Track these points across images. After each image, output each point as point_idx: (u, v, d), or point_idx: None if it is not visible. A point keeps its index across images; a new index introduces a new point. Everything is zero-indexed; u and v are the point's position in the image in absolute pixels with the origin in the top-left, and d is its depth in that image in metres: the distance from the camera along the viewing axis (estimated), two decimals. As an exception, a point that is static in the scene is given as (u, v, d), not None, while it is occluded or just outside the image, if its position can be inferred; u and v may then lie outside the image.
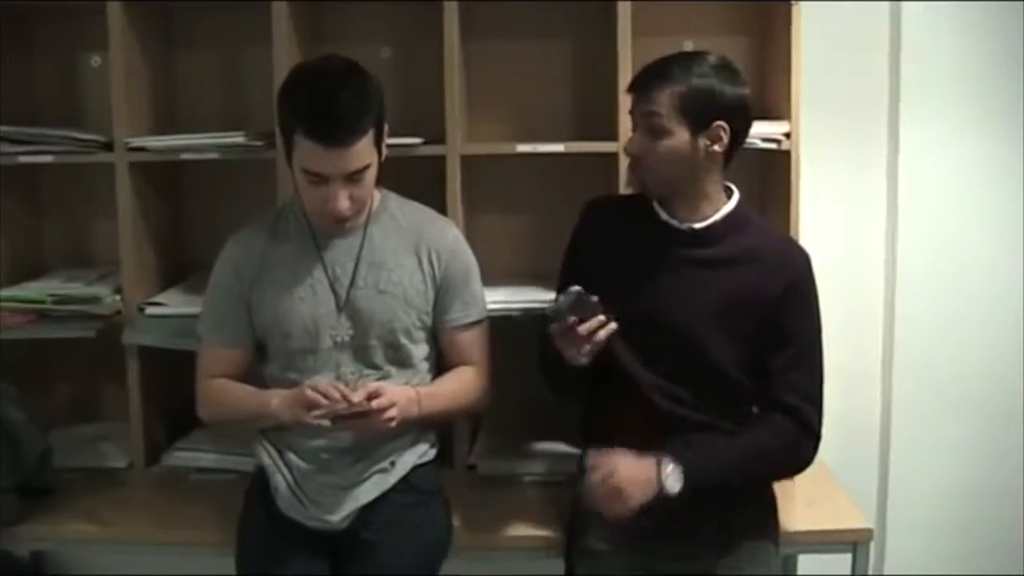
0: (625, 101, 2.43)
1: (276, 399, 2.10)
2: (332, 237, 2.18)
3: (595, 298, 1.95)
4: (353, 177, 2.03)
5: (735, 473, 2.06)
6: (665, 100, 2.04)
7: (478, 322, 2.27)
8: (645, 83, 2.08)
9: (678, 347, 2.09)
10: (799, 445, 2.10)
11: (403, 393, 2.09)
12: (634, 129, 2.11)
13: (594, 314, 1.97)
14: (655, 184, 2.12)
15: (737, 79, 2.09)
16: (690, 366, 2.09)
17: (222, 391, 2.20)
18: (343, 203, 2.05)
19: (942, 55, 2.81)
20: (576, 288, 1.95)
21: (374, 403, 2.01)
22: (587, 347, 1.98)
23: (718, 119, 2.06)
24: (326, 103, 1.99)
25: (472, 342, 2.26)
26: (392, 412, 2.03)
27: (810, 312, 2.14)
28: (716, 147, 2.08)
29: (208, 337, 2.23)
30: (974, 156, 2.85)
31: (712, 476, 2.03)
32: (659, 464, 1.99)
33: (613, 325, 1.98)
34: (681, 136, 2.05)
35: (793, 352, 2.11)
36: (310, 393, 2.01)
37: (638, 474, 1.98)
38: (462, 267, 2.24)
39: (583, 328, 1.96)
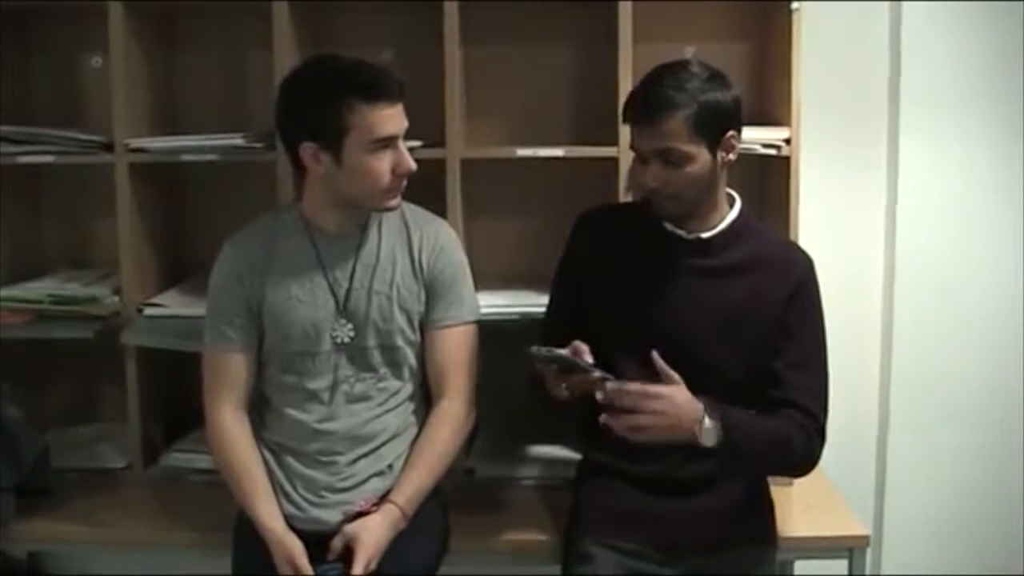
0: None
1: (277, 526, 2.08)
2: (330, 240, 2.18)
3: (588, 361, 1.92)
4: (403, 140, 2.10)
5: (762, 450, 2.02)
6: (678, 128, 1.98)
7: (460, 325, 2.23)
8: (650, 116, 2.00)
9: (686, 358, 2.06)
10: (811, 440, 2.08)
11: (380, 533, 2.07)
12: (641, 160, 2.06)
13: (581, 372, 1.93)
14: (679, 209, 2.09)
15: (727, 82, 2.06)
16: (697, 377, 2.04)
17: (240, 461, 2.15)
18: (412, 160, 2.09)
19: (942, 60, 2.81)
20: (564, 352, 1.92)
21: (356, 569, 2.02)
22: (569, 392, 1.97)
23: (729, 129, 2.05)
24: (370, 66, 2.08)
25: (451, 345, 2.22)
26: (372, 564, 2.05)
27: (814, 314, 2.14)
28: (731, 156, 2.07)
29: (216, 344, 2.19)
30: (974, 161, 2.85)
31: (741, 445, 1.98)
32: (705, 414, 1.96)
33: (602, 390, 1.94)
34: (702, 157, 2.02)
35: (798, 353, 2.10)
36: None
37: (688, 411, 1.95)
38: (449, 267, 2.23)
39: (570, 380, 1.95)
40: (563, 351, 1.93)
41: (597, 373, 1.93)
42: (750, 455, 2.01)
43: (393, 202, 2.14)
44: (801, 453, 2.07)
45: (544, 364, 1.96)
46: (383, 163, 2.06)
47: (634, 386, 1.94)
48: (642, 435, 1.94)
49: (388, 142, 2.06)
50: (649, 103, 2.01)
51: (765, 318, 2.10)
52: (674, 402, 1.95)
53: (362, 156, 2.05)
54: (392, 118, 2.05)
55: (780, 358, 2.10)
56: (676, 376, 1.97)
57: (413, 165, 2.10)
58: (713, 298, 2.11)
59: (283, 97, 2.12)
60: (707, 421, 1.96)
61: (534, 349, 1.93)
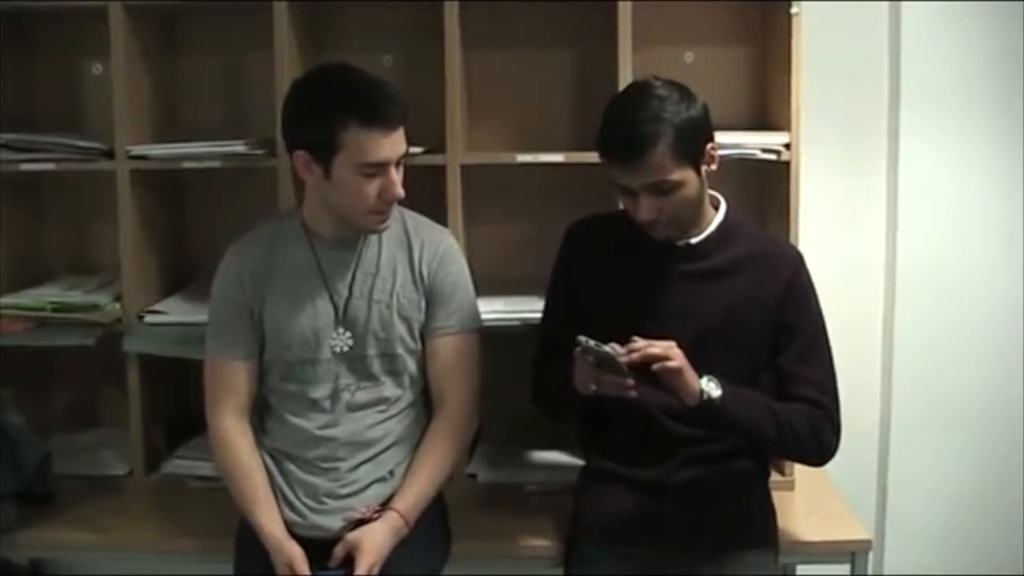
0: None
1: (277, 532, 2.08)
2: (331, 248, 2.18)
3: (623, 359, 1.91)
4: (399, 163, 2.08)
5: (765, 420, 2.04)
6: (664, 159, 1.96)
7: (460, 333, 2.22)
8: (634, 153, 1.96)
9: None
10: (821, 431, 2.08)
11: (381, 540, 2.07)
12: (627, 193, 2.04)
13: (616, 373, 1.93)
14: (678, 230, 2.09)
15: (693, 94, 2.03)
16: None
17: (241, 468, 2.15)
18: (400, 188, 2.07)
19: (942, 62, 2.81)
20: (611, 352, 1.91)
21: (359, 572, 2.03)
22: (596, 388, 1.97)
23: (707, 142, 2.04)
24: (375, 88, 2.05)
25: (452, 353, 2.21)
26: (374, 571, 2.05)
27: (811, 306, 2.15)
28: (713, 166, 2.07)
29: (216, 351, 2.20)
30: (974, 165, 2.85)
31: (744, 411, 2.02)
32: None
33: (632, 393, 1.94)
34: (691, 179, 2.01)
35: (801, 346, 2.11)
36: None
37: (691, 372, 1.97)
38: (449, 276, 2.22)
39: (603, 380, 1.95)
40: (609, 350, 1.91)
41: (631, 380, 1.93)
42: (746, 411, 2.02)
43: (380, 225, 2.13)
44: (811, 438, 2.07)
45: (583, 356, 1.95)
46: (370, 186, 2.05)
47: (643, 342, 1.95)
48: (677, 378, 1.95)
49: (379, 167, 2.04)
50: (629, 140, 1.97)
51: (761, 317, 2.11)
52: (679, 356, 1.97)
53: (350, 175, 2.04)
54: (386, 145, 2.03)
55: (784, 353, 2.11)
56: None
57: (400, 193, 2.08)
58: (707, 301, 2.11)
59: (287, 100, 2.12)
60: (704, 377, 1.98)
61: (583, 339, 1.92)
